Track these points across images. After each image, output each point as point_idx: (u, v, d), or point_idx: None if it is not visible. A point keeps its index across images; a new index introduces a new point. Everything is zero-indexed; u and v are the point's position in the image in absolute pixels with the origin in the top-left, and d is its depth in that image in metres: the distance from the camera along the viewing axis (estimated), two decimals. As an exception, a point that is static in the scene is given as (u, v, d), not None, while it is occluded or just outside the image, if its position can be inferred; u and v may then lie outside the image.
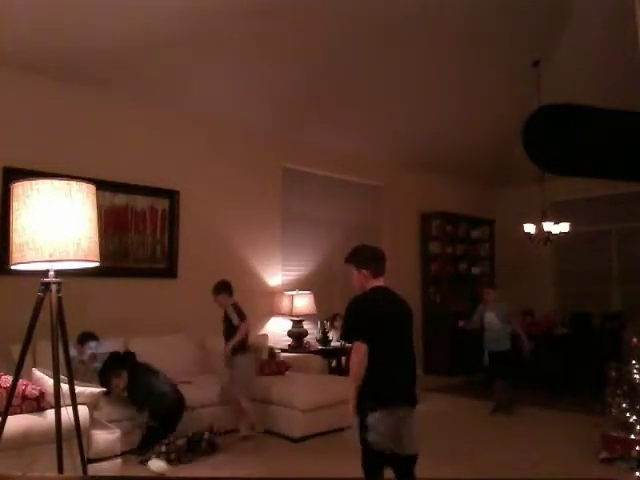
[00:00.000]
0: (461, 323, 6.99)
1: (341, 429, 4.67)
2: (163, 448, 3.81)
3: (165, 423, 4.00)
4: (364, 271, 2.77)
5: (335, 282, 6.96)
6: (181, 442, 3.88)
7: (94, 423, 3.12)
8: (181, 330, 5.21)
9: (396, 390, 2.62)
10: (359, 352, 2.59)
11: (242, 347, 4.47)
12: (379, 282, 2.78)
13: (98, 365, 4.19)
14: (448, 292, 8.06)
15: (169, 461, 3.76)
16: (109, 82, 5.02)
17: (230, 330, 4.46)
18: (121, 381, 4.04)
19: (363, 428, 2.52)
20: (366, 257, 2.81)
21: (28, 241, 2.18)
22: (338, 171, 7.06)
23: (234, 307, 4.50)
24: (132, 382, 4.06)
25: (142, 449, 3.92)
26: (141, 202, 5.29)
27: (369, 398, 2.55)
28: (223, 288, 4.53)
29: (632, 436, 3.67)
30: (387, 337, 2.66)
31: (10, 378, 2.55)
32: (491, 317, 5.53)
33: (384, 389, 2.58)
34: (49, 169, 4.30)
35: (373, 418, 2.50)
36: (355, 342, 2.62)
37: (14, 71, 4.56)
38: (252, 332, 5.84)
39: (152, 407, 4.01)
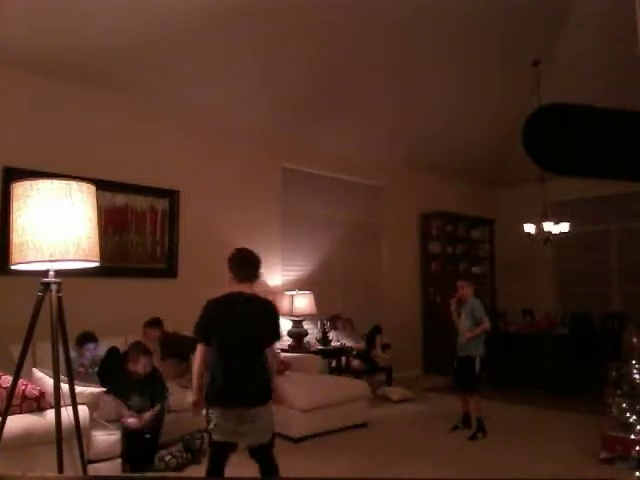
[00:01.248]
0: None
1: (341, 429, 4.70)
2: (167, 458, 3.72)
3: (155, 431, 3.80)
4: (230, 274, 2.82)
5: (335, 282, 6.97)
6: (179, 446, 3.83)
7: (94, 424, 3.12)
8: (181, 330, 5.20)
9: (229, 392, 2.69)
10: (198, 352, 2.74)
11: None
12: (243, 288, 2.79)
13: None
14: (448, 292, 8.04)
15: (175, 468, 3.70)
16: (109, 82, 5.02)
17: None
18: (148, 363, 3.85)
19: (207, 419, 2.73)
20: (234, 262, 2.83)
21: (28, 241, 2.17)
22: (338, 171, 7.06)
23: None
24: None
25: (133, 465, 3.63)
26: (141, 202, 5.29)
27: (208, 396, 2.72)
28: (157, 323, 4.83)
29: (632, 436, 3.67)
30: (227, 341, 2.72)
31: (10, 378, 2.54)
32: (463, 315, 4.65)
33: (219, 390, 2.69)
34: (49, 169, 4.30)
35: (212, 413, 2.69)
36: (198, 343, 2.76)
37: (14, 71, 4.56)
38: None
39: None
